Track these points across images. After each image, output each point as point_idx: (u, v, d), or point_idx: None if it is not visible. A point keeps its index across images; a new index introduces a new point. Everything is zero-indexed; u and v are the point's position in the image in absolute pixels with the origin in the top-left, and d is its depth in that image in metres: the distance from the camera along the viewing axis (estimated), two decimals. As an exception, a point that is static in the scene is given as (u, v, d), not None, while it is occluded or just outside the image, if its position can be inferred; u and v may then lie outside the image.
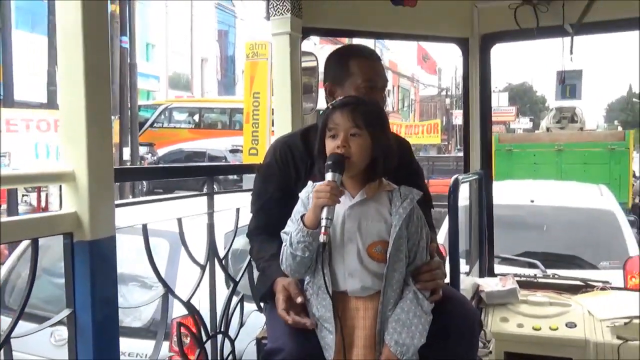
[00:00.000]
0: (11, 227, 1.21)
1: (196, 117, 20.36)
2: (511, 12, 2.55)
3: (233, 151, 16.60)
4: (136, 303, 2.61)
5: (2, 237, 1.16)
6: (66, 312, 1.30)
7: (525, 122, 43.09)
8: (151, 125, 19.37)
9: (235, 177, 12.12)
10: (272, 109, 11.20)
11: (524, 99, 55.43)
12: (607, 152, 10.78)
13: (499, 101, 40.20)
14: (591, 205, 5.02)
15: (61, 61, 1.29)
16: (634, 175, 12.48)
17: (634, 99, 52.74)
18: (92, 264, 1.29)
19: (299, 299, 1.50)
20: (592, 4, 2.44)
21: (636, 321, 2.28)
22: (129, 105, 11.45)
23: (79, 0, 1.24)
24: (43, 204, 8.34)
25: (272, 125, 11.39)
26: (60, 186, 1.30)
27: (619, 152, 10.80)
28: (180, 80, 26.80)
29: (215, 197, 1.96)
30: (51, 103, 8.62)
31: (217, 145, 17.51)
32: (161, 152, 17.48)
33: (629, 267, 4.35)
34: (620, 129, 30.62)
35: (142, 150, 15.22)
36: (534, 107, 56.61)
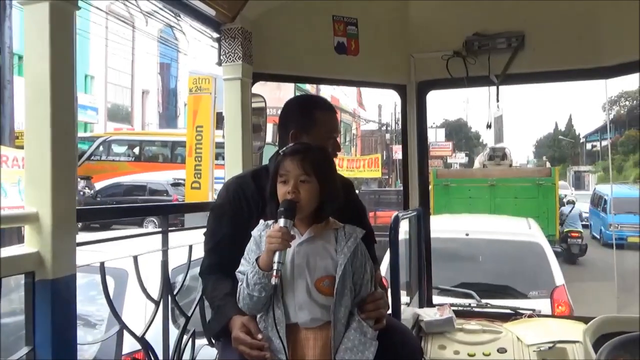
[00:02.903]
0: (-26, 267, 1.25)
1: (136, 150, 19.99)
2: (444, 62, 2.79)
3: (175, 184, 16.37)
4: (82, 341, 2.58)
5: (-33, 276, 1.20)
6: (25, 349, 1.33)
7: (461, 157, 44.87)
8: (88, 158, 18.85)
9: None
10: (215, 143, 11.25)
11: (460, 135, 57.79)
12: (535, 187, 11.50)
13: (437, 136, 41.72)
14: (520, 238, 5.34)
15: (28, 105, 1.36)
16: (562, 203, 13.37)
17: (559, 137, 56.14)
18: (53, 302, 1.33)
19: (259, 336, 1.58)
20: (514, 58, 2.73)
21: (559, 345, 2.49)
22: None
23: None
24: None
25: (215, 159, 11.41)
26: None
27: (546, 187, 11.54)
28: (119, 113, 26.27)
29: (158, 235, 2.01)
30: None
31: (158, 178, 17.23)
32: (99, 185, 17.01)
33: (556, 296, 4.66)
34: (548, 164, 32.42)
35: (80, 184, 14.77)
36: (469, 142, 59.06)
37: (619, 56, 2.61)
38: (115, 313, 1.70)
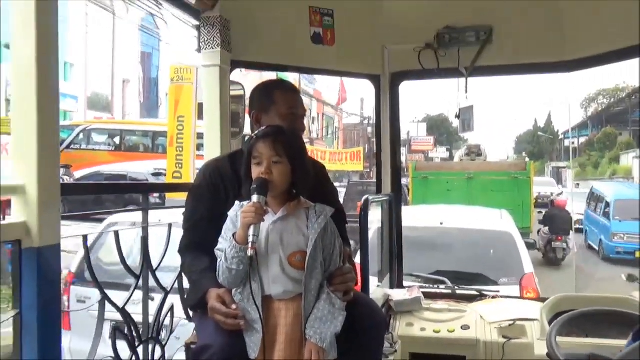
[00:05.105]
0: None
1: (117, 139, 19.81)
2: (416, 54, 2.91)
3: (156, 174, 16.28)
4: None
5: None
6: (12, 312, 1.42)
7: (442, 152, 45.34)
8: (68, 147, 18.62)
9: (157, 200, 11.97)
10: (197, 133, 11.25)
11: (441, 130, 58.23)
12: (511, 181, 11.76)
13: (418, 131, 42.11)
14: (492, 227, 5.52)
15: (14, 82, 1.44)
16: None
17: (538, 133, 56.91)
18: (39, 269, 1.42)
19: (234, 306, 1.69)
20: (482, 51, 2.86)
21: (519, 322, 2.65)
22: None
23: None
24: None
25: (197, 149, 11.42)
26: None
27: (521, 181, 11.81)
28: (100, 101, 26.02)
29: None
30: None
31: (138, 168, 17.11)
32: (78, 174, 16.86)
33: (525, 282, 4.85)
34: (527, 159, 32.94)
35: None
36: (450, 138, 59.52)
37: (581, 50, 2.76)
38: (97, 283, 1.78)
